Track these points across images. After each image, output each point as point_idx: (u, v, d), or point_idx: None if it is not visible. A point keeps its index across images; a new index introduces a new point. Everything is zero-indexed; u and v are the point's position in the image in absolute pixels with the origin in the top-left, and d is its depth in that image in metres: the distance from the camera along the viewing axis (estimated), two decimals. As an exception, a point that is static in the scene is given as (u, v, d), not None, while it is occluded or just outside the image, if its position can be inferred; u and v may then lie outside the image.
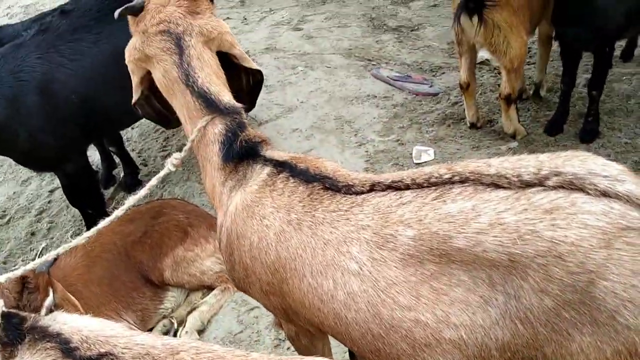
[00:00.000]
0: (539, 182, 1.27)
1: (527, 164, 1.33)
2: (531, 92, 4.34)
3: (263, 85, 2.18)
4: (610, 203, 1.19)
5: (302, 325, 1.80)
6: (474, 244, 1.28)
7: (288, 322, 1.87)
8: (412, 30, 5.47)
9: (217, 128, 1.80)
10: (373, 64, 4.98)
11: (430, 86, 4.58)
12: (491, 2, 3.42)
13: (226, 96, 1.85)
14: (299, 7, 6.05)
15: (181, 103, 1.88)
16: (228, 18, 6.04)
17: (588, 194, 1.21)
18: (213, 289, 3.13)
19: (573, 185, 1.23)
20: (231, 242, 1.76)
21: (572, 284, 1.19)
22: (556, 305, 1.22)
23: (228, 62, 2.01)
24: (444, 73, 4.77)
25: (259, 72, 2.07)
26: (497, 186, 1.31)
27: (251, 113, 4.48)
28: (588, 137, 3.87)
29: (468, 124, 4.11)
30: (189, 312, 3.08)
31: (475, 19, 3.54)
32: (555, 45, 4.02)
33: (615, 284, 1.16)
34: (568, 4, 3.52)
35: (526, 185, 1.28)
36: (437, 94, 4.49)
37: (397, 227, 1.39)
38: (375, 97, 4.54)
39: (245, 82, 2.11)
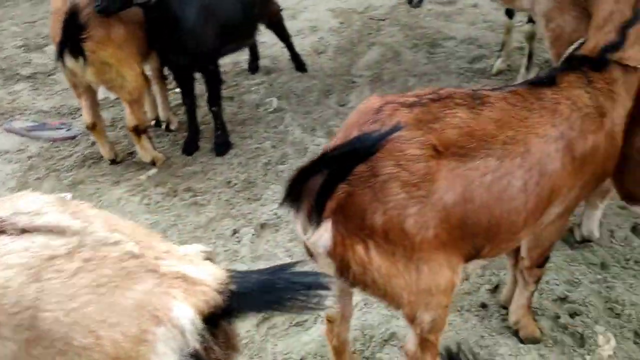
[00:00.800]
0: (-33, 234, 1.26)
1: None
2: (163, 127, 4.47)
3: None
4: (31, 237, 1.24)
5: None
6: None
7: None
8: (48, 76, 5.24)
9: None
10: (5, 118, 4.64)
11: (68, 129, 4.43)
12: (84, 37, 3.39)
13: None
14: None
15: None
16: None
17: (10, 234, 1.25)
18: None
19: (-3, 230, 1.26)
20: None
21: (19, 324, 1.20)
22: (21, 347, 1.22)
23: None
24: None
25: None
26: None
27: None
28: (221, 149, 4.11)
29: (108, 161, 4.08)
30: None
31: (81, 59, 3.50)
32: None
33: (57, 312, 1.20)
34: (163, 30, 3.69)
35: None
36: (75, 137, 4.37)
37: None
38: (8, 152, 4.22)
39: None
